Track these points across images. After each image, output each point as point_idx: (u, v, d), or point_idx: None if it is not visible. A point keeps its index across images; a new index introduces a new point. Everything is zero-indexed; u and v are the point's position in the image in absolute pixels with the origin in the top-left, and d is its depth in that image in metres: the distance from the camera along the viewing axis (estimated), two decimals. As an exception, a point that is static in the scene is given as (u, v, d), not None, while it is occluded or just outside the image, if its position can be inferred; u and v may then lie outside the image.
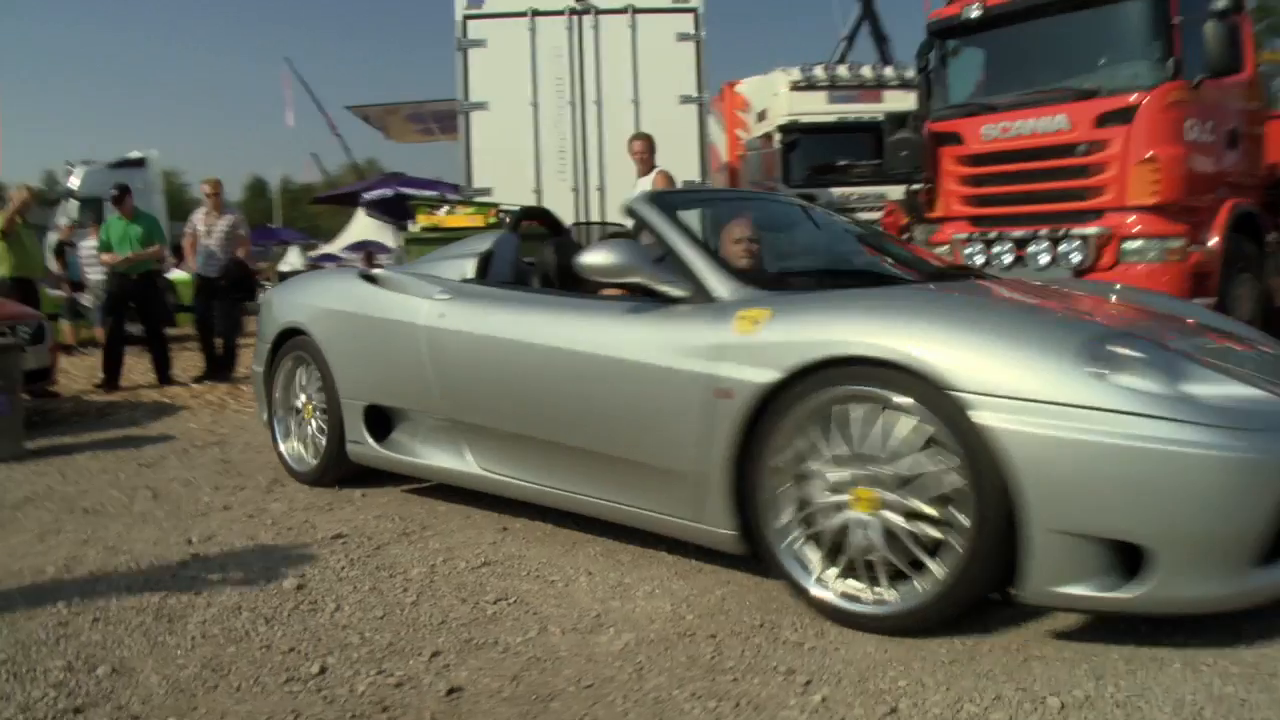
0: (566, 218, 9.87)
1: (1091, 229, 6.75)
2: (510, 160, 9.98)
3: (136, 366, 9.46)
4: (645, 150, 7.32)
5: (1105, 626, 2.70)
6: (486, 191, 9.84)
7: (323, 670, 2.67)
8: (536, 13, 9.88)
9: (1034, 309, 3.07)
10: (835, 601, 2.75)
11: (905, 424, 2.60)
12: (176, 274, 12.73)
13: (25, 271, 8.60)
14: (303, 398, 4.86)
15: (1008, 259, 7.36)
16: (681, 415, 3.03)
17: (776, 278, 3.61)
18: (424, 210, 9.03)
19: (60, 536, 4.11)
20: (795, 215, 4.56)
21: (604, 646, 2.75)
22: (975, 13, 7.55)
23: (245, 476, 5.09)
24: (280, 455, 5.01)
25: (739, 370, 2.89)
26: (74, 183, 17.89)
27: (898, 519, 2.61)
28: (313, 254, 21.76)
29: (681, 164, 9.99)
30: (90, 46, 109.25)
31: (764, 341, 2.87)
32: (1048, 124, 6.97)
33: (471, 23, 9.87)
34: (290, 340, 4.87)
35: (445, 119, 15.93)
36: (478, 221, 8.72)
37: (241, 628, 3.00)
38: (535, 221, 8.87)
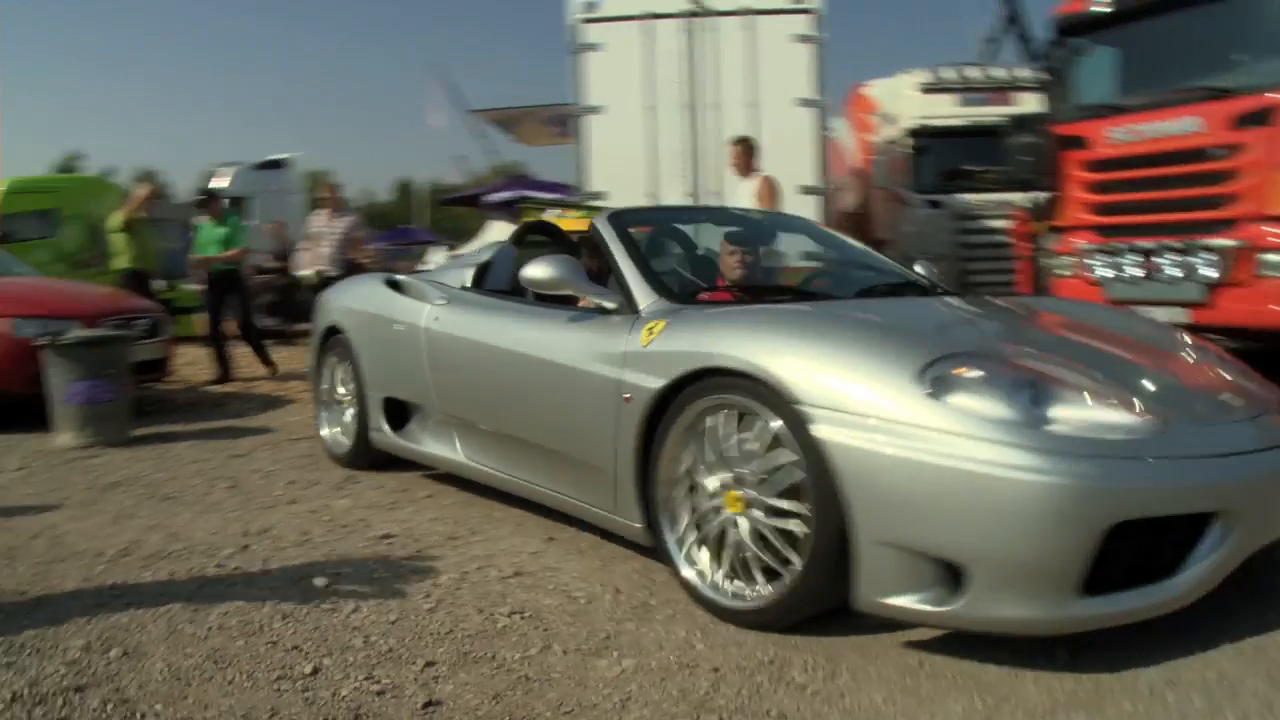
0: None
1: (1226, 240, 6.16)
2: (626, 164, 9.93)
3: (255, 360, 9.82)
4: (742, 155, 7.13)
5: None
6: (602, 195, 9.81)
7: (315, 671, 2.65)
8: (652, 15, 9.80)
9: (890, 327, 3.03)
10: (722, 601, 2.90)
11: (760, 431, 2.77)
12: (303, 272, 13.24)
13: (141, 264, 9.13)
14: (341, 389, 5.28)
15: (1135, 272, 6.82)
16: (598, 415, 3.32)
17: (696, 291, 3.78)
18: (531, 213, 9.07)
19: (132, 521, 4.27)
20: (762, 230, 4.68)
21: (600, 671, 2.62)
22: (1104, 7, 7.03)
23: (324, 471, 5.19)
24: (322, 439, 5.48)
25: (637, 377, 3.17)
26: (221, 183, 18.85)
27: (760, 516, 2.78)
28: (455, 254, 22.33)
29: (798, 168, 9.77)
30: (250, 49, 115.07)
31: (654, 351, 3.14)
32: (1180, 126, 6.39)
33: (586, 26, 9.86)
34: (332, 338, 5.29)
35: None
36: (583, 226, 8.70)
37: (258, 622, 3.02)
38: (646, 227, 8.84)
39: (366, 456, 5.06)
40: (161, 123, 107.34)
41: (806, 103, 9.74)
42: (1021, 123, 7.87)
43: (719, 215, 5.08)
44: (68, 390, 6.09)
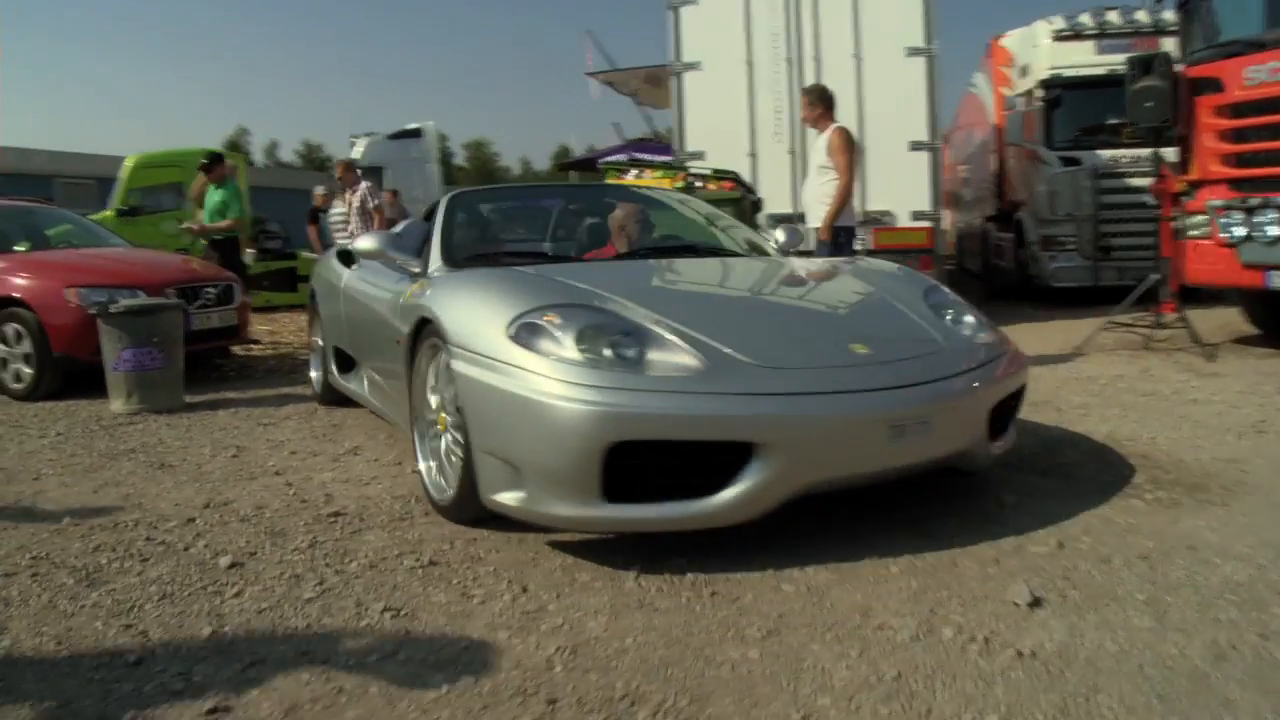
0: (782, 181, 9.32)
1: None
2: (724, 123, 9.42)
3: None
4: (813, 105, 6.49)
5: None
6: (700, 156, 9.33)
7: (138, 662, 2.37)
8: (750, -35, 9.21)
9: (523, 283, 3.57)
10: (435, 495, 3.56)
11: (445, 366, 3.37)
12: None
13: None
14: (319, 340, 6.21)
15: (1275, 230, 5.83)
16: (392, 354, 4.11)
17: (473, 259, 4.24)
18: (612, 173, 8.67)
19: (112, 490, 4.20)
20: (598, 201, 5.40)
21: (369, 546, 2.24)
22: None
23: (336, 443, 5.01)
24: (311, 380, 6.48)
25: (399, 324, 3.98)
26: (356, 153, 19.17)
27: (454, 433, 3.32)
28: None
29: (907, 123, 9.04)
30: (417, 19, 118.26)
31: (407, 304, 3.96)
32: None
33: (681, -22, 9.36)
34: (313, 299, 6.29)
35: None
36: (665, 185, 8.23)
37: (133, 599, 2.81)
38: (727, 185, 8.32)
39: (330, 394, 5.93)
40: (331, 95, 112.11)
41: (916, 52, 8.97)
42: (1144, 65, 6.87)
43: (559, 193, 6.01)
44: (118, 358, 6.16)
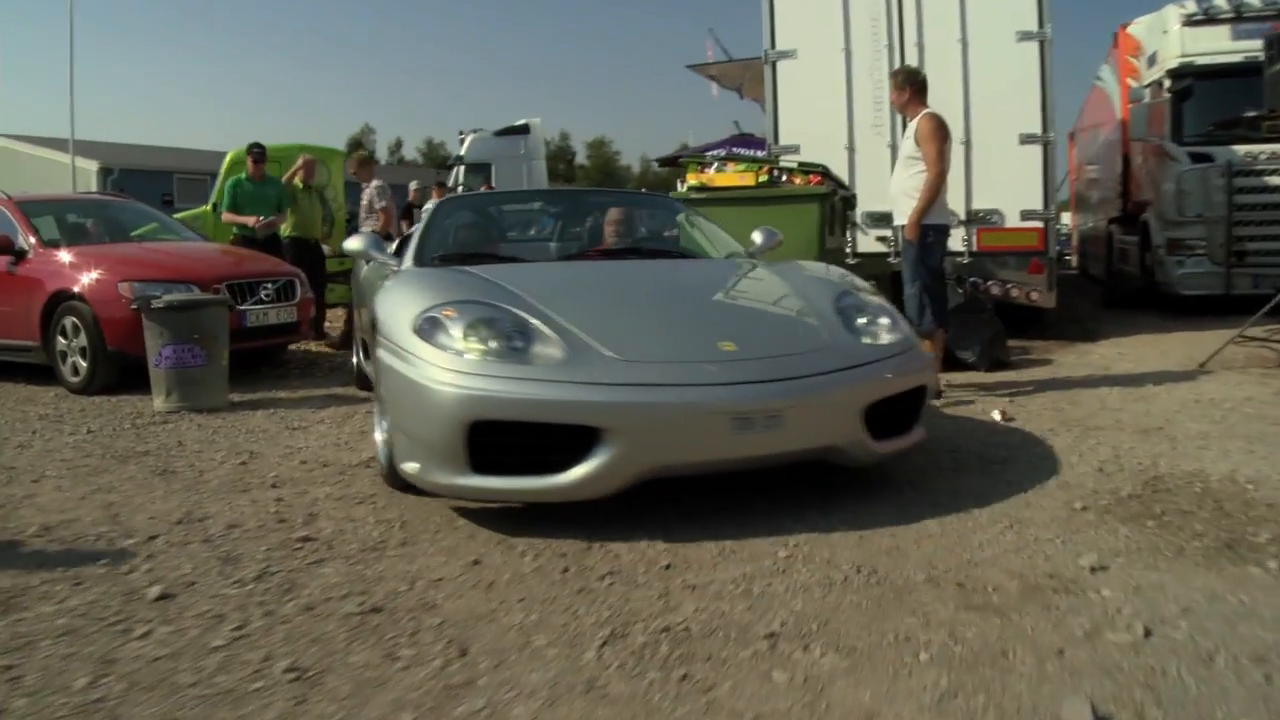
0: (881, 176, 8.61)
1: None
2: (820, 114, 8.75)
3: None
4: (901, 89, 5.83)
5: None
6: (794, 149, 8.70)
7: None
8: (846, -55, 8.53)
9: (442, 280, 3.97)
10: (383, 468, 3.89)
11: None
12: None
13: (302, 232, 9.07)
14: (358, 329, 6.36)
15: None
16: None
17: (440, 260, 4.59)
18: (694, 167, 8.10)
19: (103, 496, 3.95)
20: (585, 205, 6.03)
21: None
22: None
23: (354, 453, 4.64)
24: (353, 364, 6.67)
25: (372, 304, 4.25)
26: (463, 149, 19.14)
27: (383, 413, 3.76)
28: None
29: (1017, 113, 8.20)
30: (545, 18, 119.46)
31: (373, 299, 4.27)
32: None
33: (775, -39, 8.75)
34: (356, 291, 6.35)
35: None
36: (747, 180, 7.63)
37: (36, 632, 2.43)
38: (815, 179, 7.66)
39: (363, 380, 6.01)
40: (457, 94, 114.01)
41: (1028, 36, 8.13)
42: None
43: (548, 198, 6.60)
44: (159, 354, 5.96)
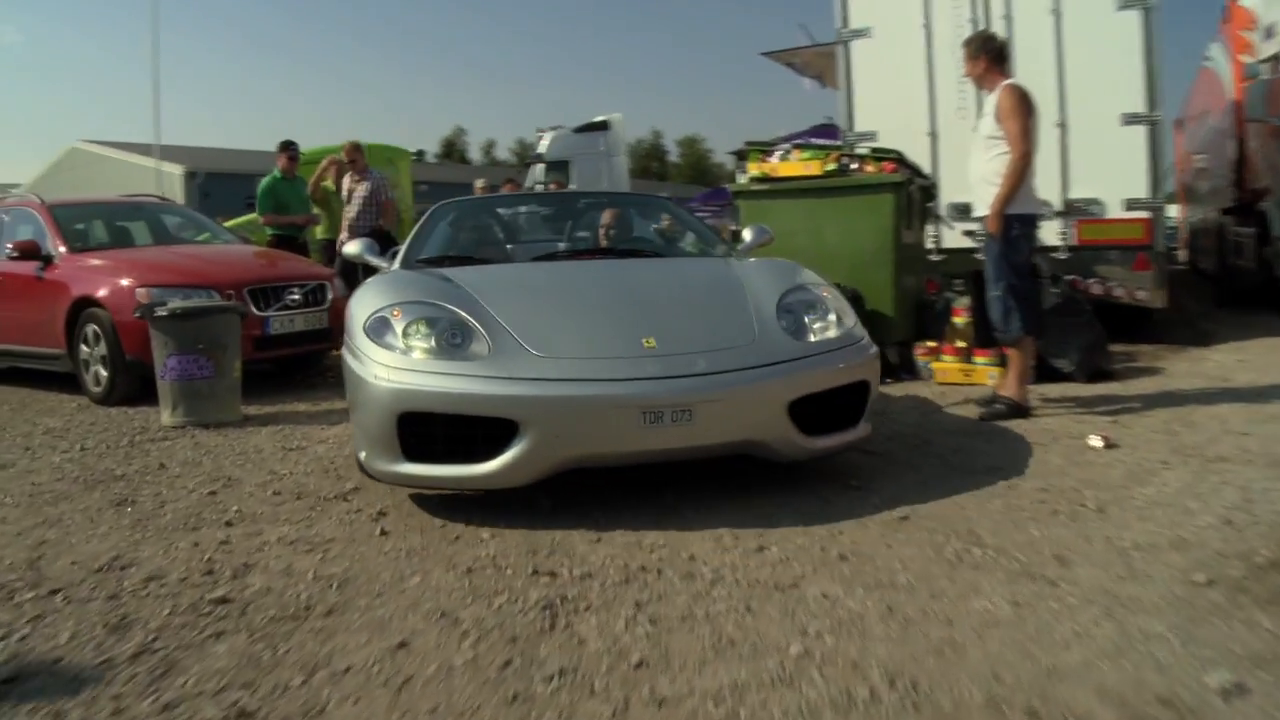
0: (966, 164, 7.75)
1: None
2: (899, 97, 7.94)
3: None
4: (975, 58, 5.02)
5: None
6: (870, 137, 7.90)
7: None
8: (925, -90, 7.70)
9: (394, 282, 4.14)
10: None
11: None
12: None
13: (335, 234, 8.62)
14: None
15: None
16: None
17: (423, 262, 4.69)
18: (755, 156, 7.34)
19: (43, 532, 3.50)
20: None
21: None
22: None
23: (341, 482, 4.09)
24: None
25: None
26: (542, 147, 18.74)
27: None
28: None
29: (1119, 92, 7.24)
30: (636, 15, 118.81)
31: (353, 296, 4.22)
32: None
33: (848, -65, 7.98)
34: None
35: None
36: (813, 169, 6.86)
37: None
38: (888, 166, 6.84)
39: None
40: (550, 93, 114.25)
41: (1129, 4, 7.17)
42: None
43: (538, 201, 6.72)
44: (164, 365, 5.53)
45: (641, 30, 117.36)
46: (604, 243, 5.30)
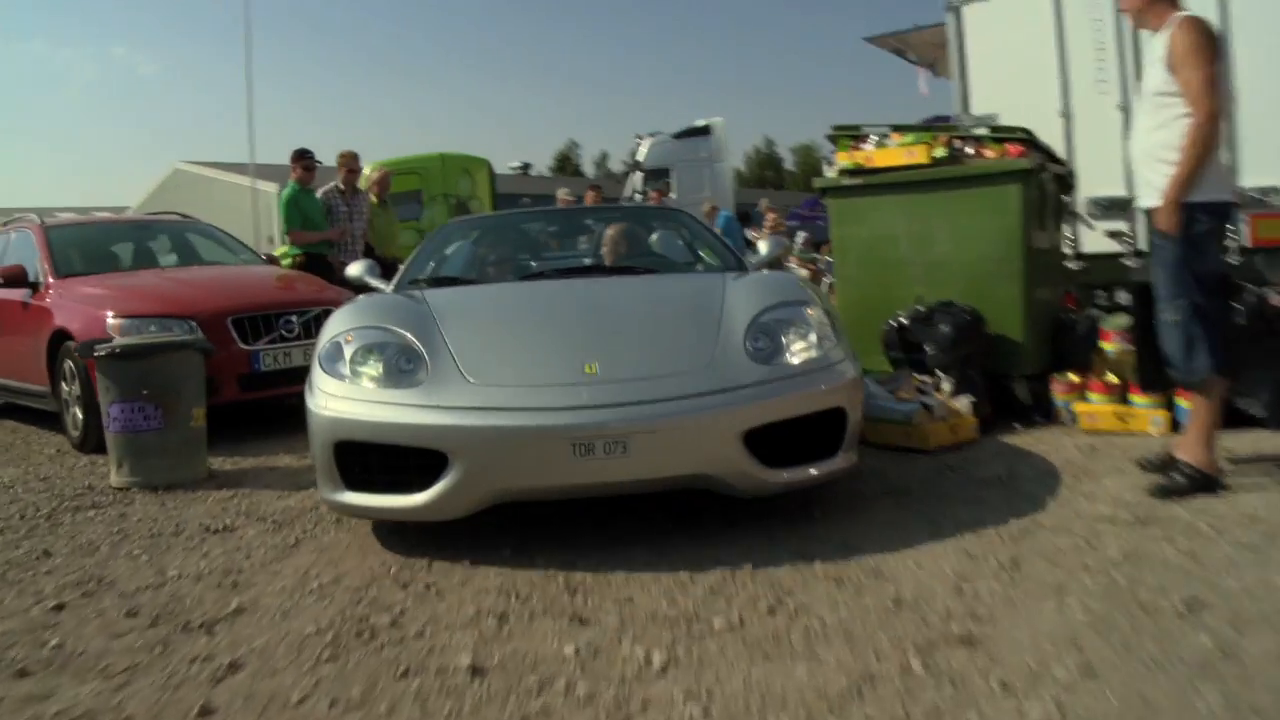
0: (1109, 149, 6.21)
1: None
2: (1023, 72, 6.61)
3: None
4: (1141, -8, 3.61)
5: None
6: (992, 119, 6.42)
7: None
8: None
9: (361, 308, 4.04)
10: None
11: None
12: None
13: (379, 250, 7.85)
14: None
15: None
16: None
17: (414, 283, 4.55)
18: (845, 144, 5.96)
19: None
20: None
21: None
22: None
23: (236, 591, 3.03)
24: None
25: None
26: (640, 154, 17.86)
27: None
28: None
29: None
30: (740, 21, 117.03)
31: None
32: None
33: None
34: None
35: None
36: (918, 156, 5.44)
37: None
38: (1014, 150, 5.42)
39: None
40: (666, 104, 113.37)
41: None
42: None
43: (545, 218, 6.78)
44: (107, 414, 4.58)
45: (754, 41, 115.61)
46: (609, 260, 4.95)
